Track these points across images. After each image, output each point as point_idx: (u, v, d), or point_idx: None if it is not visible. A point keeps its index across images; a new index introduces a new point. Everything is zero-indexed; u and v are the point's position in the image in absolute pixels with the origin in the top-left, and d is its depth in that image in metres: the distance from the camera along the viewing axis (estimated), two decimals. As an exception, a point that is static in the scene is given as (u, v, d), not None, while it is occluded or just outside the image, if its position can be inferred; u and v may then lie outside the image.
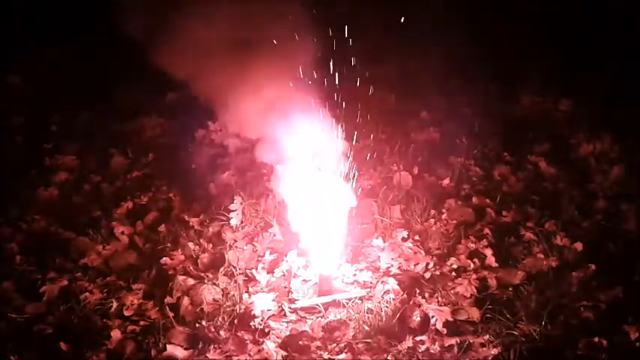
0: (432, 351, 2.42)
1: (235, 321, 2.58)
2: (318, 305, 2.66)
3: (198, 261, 2.97)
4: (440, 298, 2.67)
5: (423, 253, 2.98)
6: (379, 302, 2.65)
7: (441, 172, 3.71)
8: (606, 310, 2.57)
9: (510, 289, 2.73)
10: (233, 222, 3.19)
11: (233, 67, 2.76)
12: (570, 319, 2.52)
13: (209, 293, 2.71)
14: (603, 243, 2.99)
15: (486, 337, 2.45)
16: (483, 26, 5.24)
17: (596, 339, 2.39)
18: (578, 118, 4.27)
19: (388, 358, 2.40)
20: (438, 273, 2.86)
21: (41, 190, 3.56)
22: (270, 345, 2.46)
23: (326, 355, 2.43)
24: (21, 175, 3.72)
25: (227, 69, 2.76)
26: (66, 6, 5.28)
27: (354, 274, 2.87)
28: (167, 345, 2.45)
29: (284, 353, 2.43)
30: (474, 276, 2.79)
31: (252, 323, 2.58)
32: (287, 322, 2.61)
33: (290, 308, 2.67)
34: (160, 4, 2.74)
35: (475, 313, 2.59)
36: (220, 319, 2.58)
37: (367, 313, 2.58)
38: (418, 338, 2.47)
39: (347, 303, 2.66)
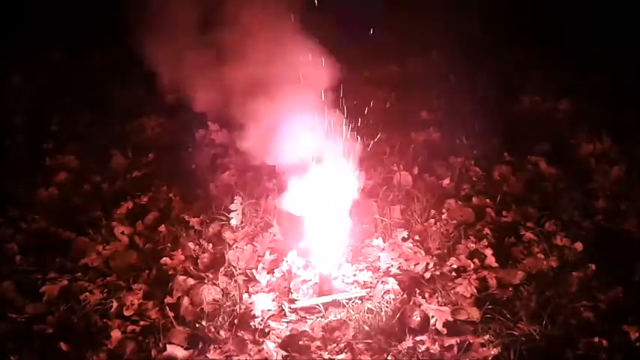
0: (432, 351, 2.42)
1: (235, 321, 2.57)
2: (318, 305, 2.65)
3: (198, 261, 2.97)
4: (440, 298, 2.67)
5: (423, 253, 2.98)
6: (379, 302, 2.64)
7: (441, 172, 3.71)
8: (606, 310, 2.56)
9: (510, 289, 2.73)
10: (233, 222, 3.19)
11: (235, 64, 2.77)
12: (570, 319, 2.51)
13: (209, 293, 2.70)
14: (603, 243, 2.99)
15: (486, 337, 2.45)
16: (483, 26, 5.25)
17: (596, 339, 2.38)
18: (578, 118, 4.27)
19: (388, 358, 2.39)
20: (438, 273, 2.85)
21: (41, 190, 3.55)
22: (270, 345, 2.45)
23: (326, 355, 2.42)
24: (21, 175, 3.72)
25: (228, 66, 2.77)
26: (66, 6, 5.30)
27: (354, 274, 2.87)
28: (167, 345, 2.44)
29: (284, 353, 2.43)
30: (474, 276, 2.79)
31: (252, 323, 2.58)
32: (287, 322, 2.61)
33: (290, 308, 2.66)
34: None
35: (475, 313, 2.58)
36: (220, 319, 2.58)
37: (367, 313, 2.57)
38: (418, 338, 2.46)
39: (347, 303, 2.66)
